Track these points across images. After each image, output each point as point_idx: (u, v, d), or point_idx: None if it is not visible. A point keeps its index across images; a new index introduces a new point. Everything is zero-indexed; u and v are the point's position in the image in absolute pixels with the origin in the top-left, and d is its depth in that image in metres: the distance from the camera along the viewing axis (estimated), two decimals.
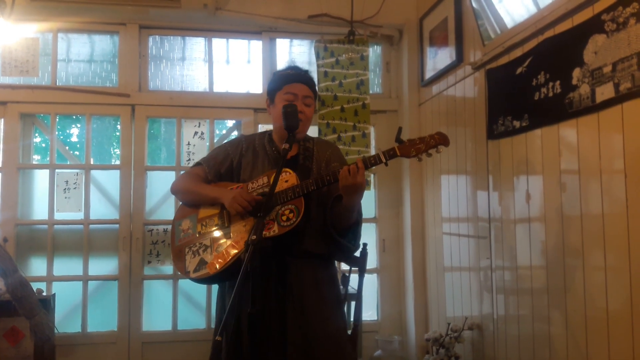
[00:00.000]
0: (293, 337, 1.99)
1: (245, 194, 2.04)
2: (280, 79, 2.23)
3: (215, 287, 3.55)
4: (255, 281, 1.92)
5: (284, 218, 1.97)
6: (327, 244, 2.11)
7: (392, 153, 1.97)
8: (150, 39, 3.75)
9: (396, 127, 2.03)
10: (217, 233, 2.09)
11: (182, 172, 3.57)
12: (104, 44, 3.75)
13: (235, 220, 2.07)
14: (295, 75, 2.23)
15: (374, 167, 3.80)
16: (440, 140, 1.95)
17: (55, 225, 3.52)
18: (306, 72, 2.28)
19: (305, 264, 2.09)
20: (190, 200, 2.24)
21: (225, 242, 2.04)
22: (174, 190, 2.32)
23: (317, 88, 2.34)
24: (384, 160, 1.96)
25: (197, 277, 2.04)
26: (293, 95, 2.17)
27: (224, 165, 2.25)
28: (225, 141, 2.42)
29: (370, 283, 3.83)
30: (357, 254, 2.83)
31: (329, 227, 2.08)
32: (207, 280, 2.08)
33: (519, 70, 2.50)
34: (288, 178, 2.05)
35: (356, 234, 2.14)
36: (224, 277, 2.03)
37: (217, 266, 1.99)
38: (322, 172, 2.15)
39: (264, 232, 1.93)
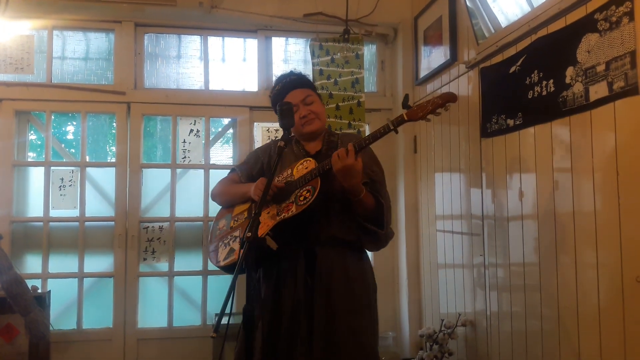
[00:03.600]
0: (319, 329, 2.02)
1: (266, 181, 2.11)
2: (276, 97, 2.31)
3: (211, 285, 3.60)
4: (250, 278, 1.95)
5: (301, 198, 2.02)
6: (356, 232, 2.14)
7: (400, 119, 1.97)
8: (146, 37, 3.75)
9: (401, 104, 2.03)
10: (246, 224, 2.18)
11: (178, 170, 3.65)
12: (99, 41, 3.75)
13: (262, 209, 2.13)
14: (285, 86, 2.30)
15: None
16: (447, 98, 1.93)
17: (51, 223, 3.51)
18: (290, 73, 2.35)
19: (334, 253, 2.11)
20: (226, 201, 2.38)
21: None
22: (213, 195, 2.46)
23: (311, 81, 2.40)
24: (392, 127, 1.97)
25: (225, 264, 2.12)
26: (294, 107, 2.21)
27: (255, 168, 2.36)
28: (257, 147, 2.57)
29: None
30: None
31: (355, 213, 2.11)
32: (233, 266, 2.08)
33: (512, 69, 2.53)
34: (308, 165, 2.12)
35: (381, 219, 2.13)
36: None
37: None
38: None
39: (283, 215, 2.00)
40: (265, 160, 2.35)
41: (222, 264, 2.14)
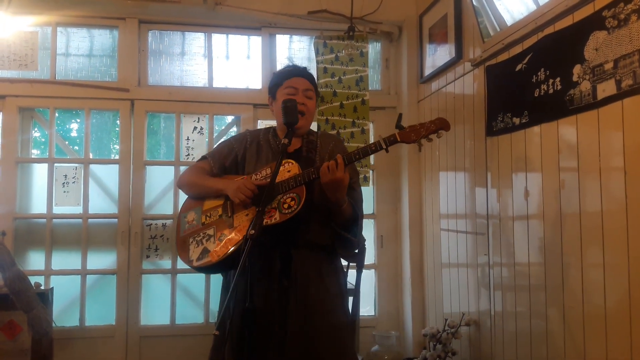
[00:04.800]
0: (294, 329, 2.00)
1: (249, 184, 2.06)
2: (281, 75, 2.28)
3: (214, 282, 3.59)
4: (253, 276, 1.94)
5: (285, 206, 1.98)
6: (330, 236, 2.14)
7: (392, 139, 1.97)
8: (150, 33, 3.75)
9: (395, 124, 2.03)
10: (220, 223, 2.12)
11: (181, 167, 3.64)
12: (103, 38, 3.74)
13: (239, 209, 2.10)
14: (294, 70, 2.28)
15: (372, 163, 3.79)
16: (440, 124, 1.95)
17: (54, 219, 3.51)
18: (305, 68, 2.33)
19: (309, 256, 2.10)
20: (196, 192, 2.27)
21: (228, 232, 2.07)
22: (180, 183, 2.35)
23: (316, 84, 2.37)
24: (384, 146, 1.96)
25: (199, 265, 2.06)
26: (294, 89, 2.21)
27: (228, 159, 2.28)
28: (230, 136, 2.47)
29: (368, 279, 3.84)
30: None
31: (331, 220, 2.11)
32: (209, 268, 2.08)
33: (518, 67, 2.51)
34: (290, 168, 2.07)
35: (356, 228, 2.15)
36: (225, 265, 2.05)
37: (219, 254, 2.01)
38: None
39: (265, 220, 1.94)
40: (240, 152, 2.27)
41: (195, 264, 2.07)
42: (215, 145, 2.42)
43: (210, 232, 2.12)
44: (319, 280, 2.10)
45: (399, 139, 1.97)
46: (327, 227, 2.13)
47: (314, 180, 2.01)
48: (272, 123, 3.79)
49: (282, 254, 2.06)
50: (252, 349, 1.94)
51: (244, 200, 2.04)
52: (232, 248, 1.99)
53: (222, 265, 2.05)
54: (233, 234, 2.04)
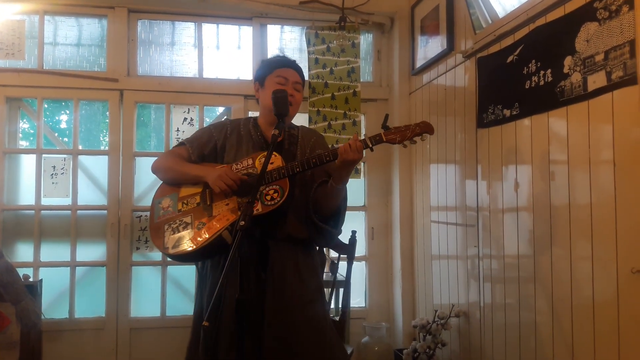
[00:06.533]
0: (271, 321, 1.99)
1: (231, 173, 2.05)
2: (272, 64, 2.26)
3: None
4: (243, 267, 1.93)
5: (268, 197, 1.98)
6: (308, 230, 2.13)
7: (378, 139, 2.00)
8: (139, 23, 3.70)
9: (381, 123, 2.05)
10: (198, 211, 2.09)
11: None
12: (92, 27, 3.69)
13: (218, 198, 2.08)
14: (286, 61, 2.27)
15: (364, 155, 3.80)
16: (425, 128, 1.99)
17: (42, 211, 3.48)
18: (294, 61, 2.32)
19: (286, 249, 2.10)
20: (172, 178, 2.21)
21: (206, 220, 2.04)
22: (156, 168, 2.26)
23: (308, 75, 2.36)
24: (370, 145, 1.99)
25: (175, 253, 2.02)
26: (284, 79, 2.20)
27: (207, 147, 2.24)
28: (210, 123, 2.43)
29: (359, 270, 3.85)
30: (346, 241, 2.86)
31: (310, 213, 2.10)
32: (185, 256, 2.05)
33: (510, 59, 2.50)
34: (273, 160, 2.06)
35: (339, 218, 2.16)
36: (203, 254, 2.03)
37: (197, 243, 1.98)
38: (307, 156, 2.15)
39: None
40: (220, 141, 2.24)
41: (171, 252, 2.03)
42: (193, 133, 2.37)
43: (188, 219, 2.08)
44: (297, 275, 2.09)
45: (384, 139, 2.00)
46: (304, 221, 2.13)
47: (297, 174, 2.03)
48: None
49: (259, 245, 2.06)
50: (231, 339, 1.93)
51: (225, 189, 2.02)
52: (211, 238, 1.96)
53: (200, 254, 2.03)
54: (212, 223, 2.02)
